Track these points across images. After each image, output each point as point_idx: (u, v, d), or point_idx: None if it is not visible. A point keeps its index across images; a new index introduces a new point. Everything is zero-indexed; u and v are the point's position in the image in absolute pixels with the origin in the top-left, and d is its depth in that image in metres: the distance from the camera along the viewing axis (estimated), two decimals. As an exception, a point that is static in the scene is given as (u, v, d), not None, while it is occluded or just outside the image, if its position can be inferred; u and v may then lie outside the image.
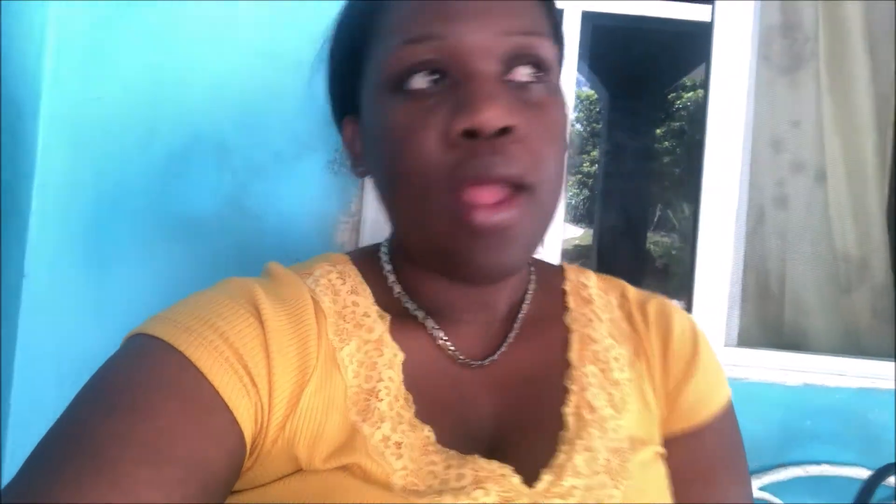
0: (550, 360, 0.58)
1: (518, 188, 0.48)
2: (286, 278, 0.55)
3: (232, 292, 0.50)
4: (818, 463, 1.07)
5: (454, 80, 0.48)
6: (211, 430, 0.43)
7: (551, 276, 0.65)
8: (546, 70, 0.51)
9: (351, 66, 0.57)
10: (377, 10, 0.53)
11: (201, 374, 0.44)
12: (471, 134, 0.46)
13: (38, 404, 0.96)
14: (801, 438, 1.09)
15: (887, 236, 1.44)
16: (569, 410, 0.54)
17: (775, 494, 1.06)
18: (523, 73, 0.50)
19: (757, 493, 1.06)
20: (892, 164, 1.47)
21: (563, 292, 0.63)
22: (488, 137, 0.46)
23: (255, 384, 0.46)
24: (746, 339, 1.30)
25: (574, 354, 0.58)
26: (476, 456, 0.49)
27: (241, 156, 1.00)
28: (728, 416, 0.62)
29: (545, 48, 0.51)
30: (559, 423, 0.54)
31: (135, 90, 0.98)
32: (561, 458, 0.51)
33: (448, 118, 0.47)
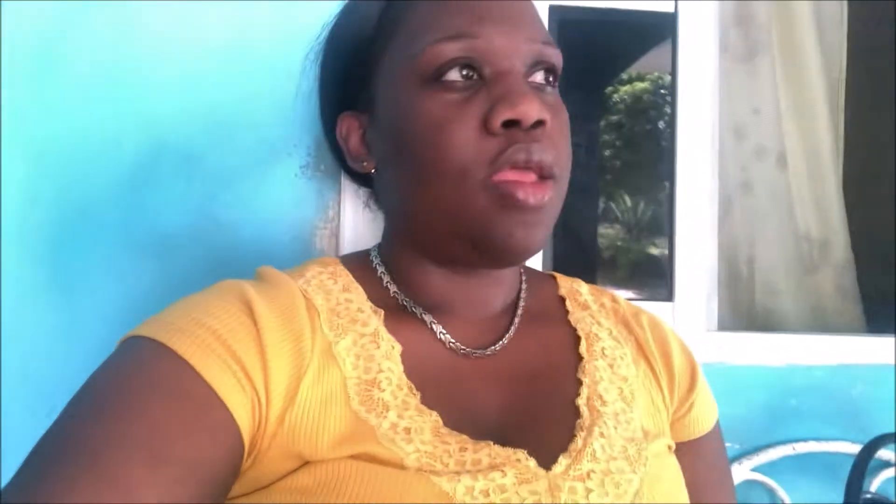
0: (558, 355, 0.61)
1: (547, 177, 0.53)
2: (277, 279, 0.56)
3: (223, 293, 0.52)
4: (805, 440, 1.10)
5: (486, 77, 0.53)
6: (207, 428, 0.44)
7: (543, 282, 0.69)
8: (556, 77, 0.58)
9: (359, 60, 0.60)
10: (398, 8, 0.57)
11: (195, 371, 0.45)
12: (509, 124, 0.52)
13: (26, 432, 0.88)
14: (786, 417, 1.11)
15: (845, 216, 1.49)
16: (582, 401, 0.56)
17: (766, 475, 1.08)
18: (539, 78, 0.57)
19: (748, 475, 1.07)
20: (845, 147, 1.52)
21: (561, 298, 0.67)
22: (525, 129, 0.52)
23: (250, 379, 0.47)
24: (721, 323, 1.32)
25: (584, 350, 0.61)
26: (490, 442, 0.50)
27: (211, 164, 0.95)
28: (718, 429, 0.69)
29: (557, 57, 0.57)
30: (573, 414, 0.55)
31: (94, 97, 0.92)
32: (578, 443, 0.52)
33: (486, 109, 0.52)
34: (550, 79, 0.58)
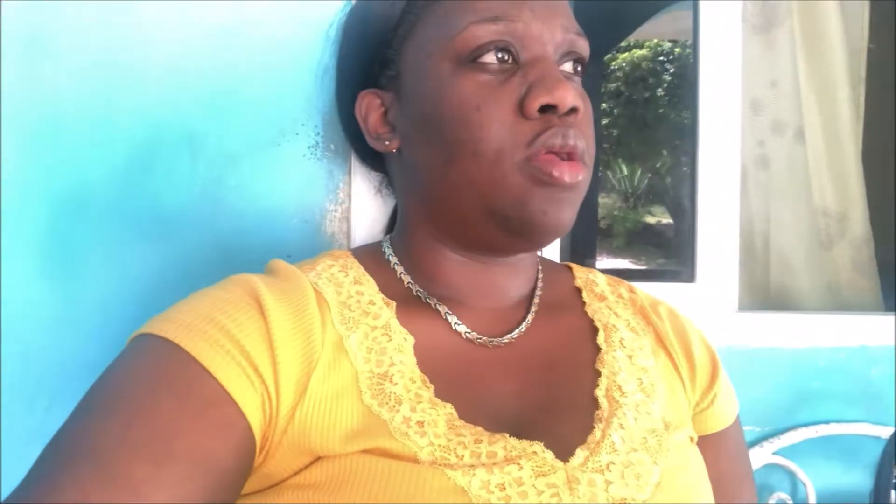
0: (576, 346, 0.60)
1: (580, 160, 0.54)
2: (287, 272, 0.56)
3: (232, 287, 0.52)
4: (827, 423, 1.08)
5: (522, 61, 0.54)
6: (215, 425, 0.44)
7: (559, 273, 0.69)
8: (584, 67, 0.59)
9: (384, 39, 0.59)
10: None
11: (203, 368, 0.45)
12: (545, 109, 0.53)
13: (26, 425, 0.85)
14: (808, 400, 1.10)
15: (864, 190, 1.46)
16: (601, 392, 0.56)
17: (788, 458, 1.06)
18: (568, 67, 0.58)
19: (771, 459, 1.05)
20: (865, 119, 1.48)
21: (577, 289, 0.67)
22: (560, 115, 0.53)
23: (259, 374, 0.46)
24: (740, 303, 1.30)
25: (602, 341, 0.60)
26: (505, 434, 0.49)
27: (213, 145, 0.91)
28: (739, 422, 0.69)
29: (586, 49, 0.58)
30: (591, 405, 0.55)
31: (86, 80, 0.86)
32: (597, 434, 0.52)
33: (521, 93, 0.53)
34: (578, 68, 0.59)
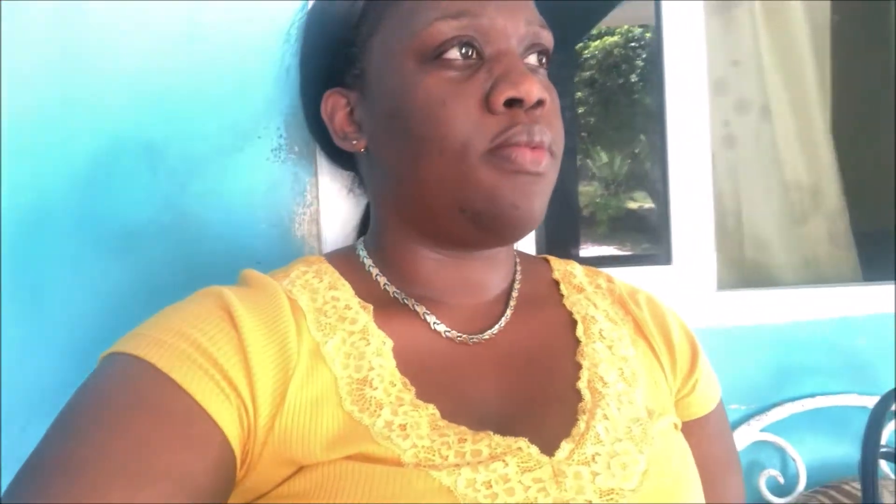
0: (556, 339, 0.60)
1: (546, 150, 0.54)
2: (259, 282, 0.56)
3: (202, 301, 0.51)
4: (812, 396, 1.08)
5: (486, 56, 0.54)
6: (192, 441, 0.43)
7: (537, 265, 0.69)
8: (548, 59, 0.59)
9: (347, 37, 0.59)
10: None
11: (177, 384, 0.44)
12: (511, 103, 0.52)
13: (14, 445, 0.83)
14: (793, 375, 1.10)
15: (836, 162, 1.46)
16: (583, 384, 0.55)
17: (776, 434, 1.06)
18: (533, 60, 0.58)
19: (759, 436, 1.05)
20: (833, 91, 1.49)
21: (555, 281, 0.67)
22: (526, 108, 0.53)
23: (234, 387, 0.46)
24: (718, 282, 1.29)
25: (581, 333, 0.60)
26: (489, 432, 0.49)
27: (174, 153, 0.89)
28: (722, 406, 0.69)
29: (550, 40, 0.58)
30: (574, 397, 0.55)
31: (41, 91, 0.84)
32: (581, 426, 0.52)
33: (487, 88, 0.53)
34: (543, 60, 0.59)
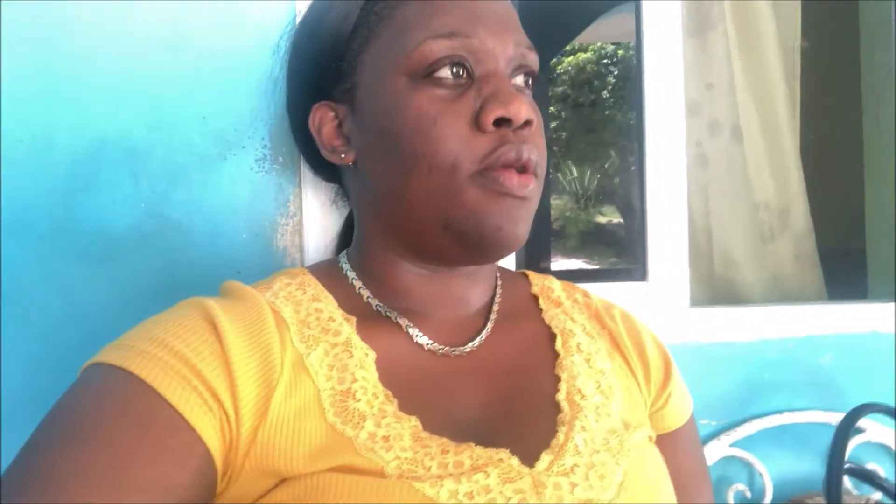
0: (535, 353, 0.61)
1: (532, 173, 0.55)
2: (242, 293, 0.55)
3: (185, 311, 0.51)
4: (780, 412, 1.11)
5: (476, 76, 0.55)
6: (174, 452, 0.43)
7: (516, 280, 0.70)
8: (534, 80, 0.61)
9: (338, 52, 0.60)
10: (386, 4, 0.57)
11: (159, 395, 0.44)
12: (499, 123, 0.54)
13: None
14: (761, 391, 1.12)
15: (804, 183, 1.50)
16: (561, 397, 0.57)
17: (745, 449, 1.09)
18: (520, 80, 0.59)
19: (728, 451, 1.08)
20: (802, 114, 1.53)
21: (534, 296, 0.68)
22: (515, 128, 0.54)
23: (217, 398, 0.46)
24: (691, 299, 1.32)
25: (560, 346, 0.61)
26: (471, 444, 0.49)
27: (157, 160, 0.88)
28: (693, 420, 0.70)
29: (536, 63, 0.60)
30: (553, 409, 0.56)
31: (21, 96, 0.83)
32: (560, 438, 0.53)
33: (476, 107, 0.54)
34: (529, 81, 0.60)
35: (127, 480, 0.41)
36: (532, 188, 0.55)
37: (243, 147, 0.91)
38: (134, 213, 0.87)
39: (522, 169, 0.55)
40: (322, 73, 0.62)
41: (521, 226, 0.55)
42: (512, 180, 0.53)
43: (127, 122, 0.87)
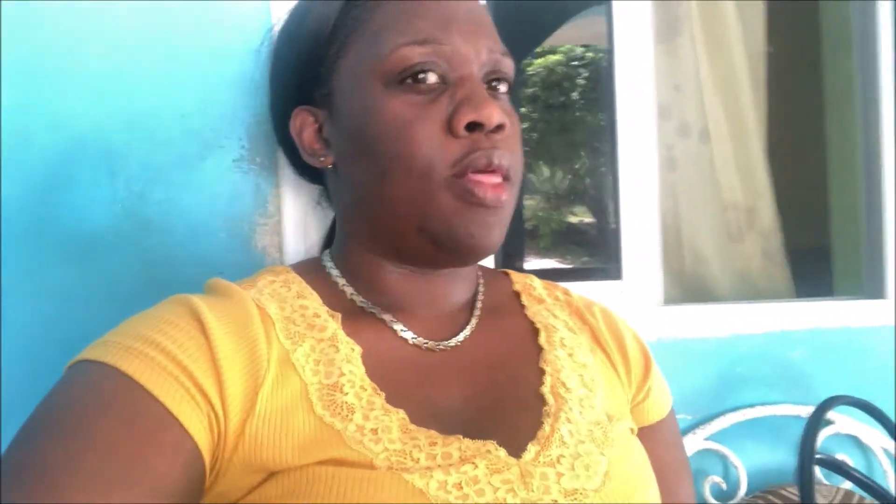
0: (519, 347, 0.62)
1: (505, 178, 0.56)
2: (227, 290, 0.56)
3: (171, 308, 0.51)
4: (752, 406, 1.14)
5: (450, 81, 0.56)
6: (162, 447, 0.43)
7: (498, 279, 0.71)
8: (510, 86, 0.61)
9: (317, 57, 0.60)
10: (360, 8, 0.58)
11: (146, 391, 0.44)
12: (472, 127, 0.54)
13: None
14: (735, 386, 1.15)
15: (770, 183, 1.54)
16: (546, 389, 0.57)
17: (720, 442, 1.11)
18: (494, 85, 0.59)
19: (703, 444, 1.10)
20: (768, 116, 1.57)
21: (516, 293, 0.69)
22: (487, 132, 0.54)
23: (204, 394, 0.46)
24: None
25: (544, 341, 0.62)
26: (459, 436, 0.50)
27: (135, 160, 0.87)
28: (673, 414, 0.72)
29: (511, 68, 0.60)
30: (538, 402, 0.57)
31: (2, 94, 0.82)
32: (546, 429, 0.54)
33: (450, 111, 0.54)
34: (504, 87, 0.61)
35: (115, 476, 0.41)
36: (505, 198, 0.56)
37: (221, 147, 0.91)
38: (112, 212, 0.87)
39: (495, 174, 0.55)
40: (302, 77, 0.63)
41: (495, 232, 0.56)
42: (485, 192, 0.54)
43: (105, 121, 0.86)
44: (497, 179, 0.55)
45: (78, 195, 0.85)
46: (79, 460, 0.41)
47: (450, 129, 0.54)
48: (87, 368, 0.47)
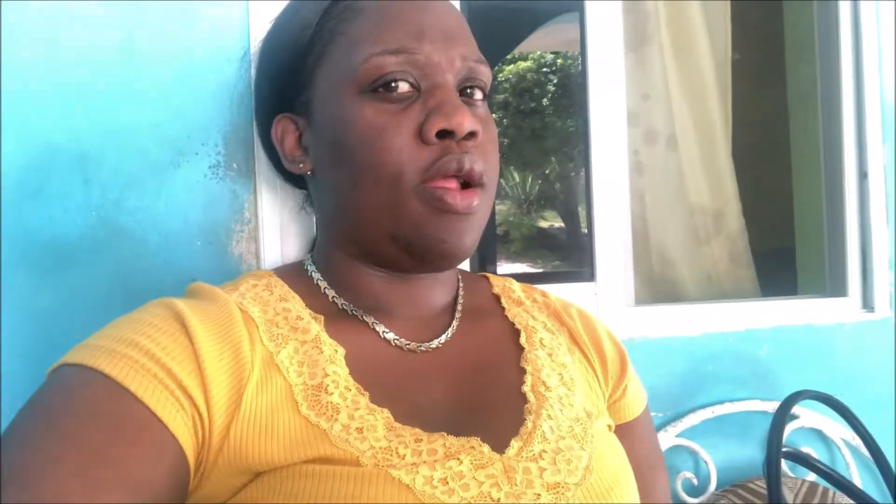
0: (500, 348, 0.64)
1: (477, 185, 0.57)
2: (210, 293, 0.56)
3: (154, 311, 0.52)
4: (721, 402, 1.16)
5: (422, 89, 0.57)
6: (146, 450, 0.43)
7: (477, 282, 0.72)
8: (485, 93, 0.62)
9: (297, 66, 0.61)
10: (337, 18, 0.59)
11: (130, 394, 0.44)
12: (443, 135, 0.55)
13: None
14: (705, 383, 1.18)
15: (737, 187, 1.58)
16: (527, 388, 0.59)
17: (690, 439, 1.14)
18: (469, 93, 0.60)
19: (673, 441, 1.12)
20: (734, 122, 1.62)
21: (496, 296, 0.70)
22: (458, 139, 0.55)
23: (189, 396, 0.46)
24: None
25: (524, 341, 0.64)
26: (443, 433, 0.51)
27: (109, 167, 0.87)
28: (648, 412, 0.74)
29: (487, 75, 0.61)
30: (520, 400, 0.58)
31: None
32: (528, 426, 0.55)
33: (422, 119, 0.55)
34: (480, 94, 0.61)
35: (99, 479, 0.41)
36: (477, 203, 0.56)
37: (196, 154, 0.91)
38: (86, 220, 0.86)
39: (466, 183, 0.56)
40: (282, 85, 0.63)
41: (467, 237, 0.57)
42: (455, 198, 0.54)
43: (78, 128, 0.85)
44: (459, 185, 0.56)
45: (51, 204, 0.84)
46: (61, 465, 0.41)
47: (421, 136, 0.55)
48: (69, 372, 0.47)
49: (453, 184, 0.55)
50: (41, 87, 0.84)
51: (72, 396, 0.45)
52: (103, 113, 0.86)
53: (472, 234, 0.57)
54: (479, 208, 0.57)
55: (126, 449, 0.43)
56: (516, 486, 0.50)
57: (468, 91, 0.60)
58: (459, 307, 0.65)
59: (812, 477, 1.15)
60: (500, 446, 0.52)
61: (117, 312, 0.55)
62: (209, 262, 0.92)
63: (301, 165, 0.63)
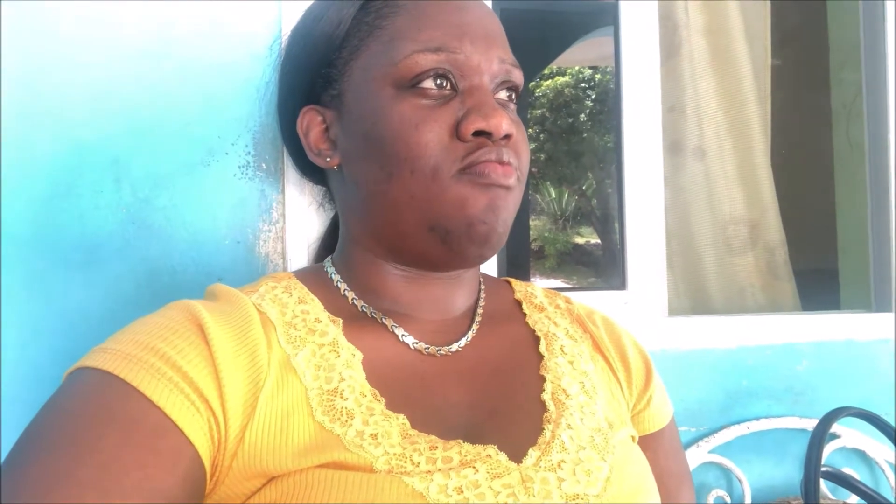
0: (520, 354, 0.62)
1: (514, 170, 0.57)
2: (228, 295, 0.56)
3: (171, 314, 0.51)
4: (757, 419, 1.12)
5: (460, 89, 0.57)
6: (162, 455, 0.43)
7: (500, 287, 0.71)
8: (518, 95, 0.63)
9: (328, 59, 0.61)
10: (375, 13, 0.59)
11: (145, 398, 0.44)
12: (479, 134, 0.56)
13: None
14: (740, 398, 1.14)
15: (776, 199, 1.54)
16: (547, 396, 0.58)
17: (724, 455, 1.10)
18: (503, 95, 0.61)
19: (707, 457, 1.09)
20: (773, 131, 1.57)
21: (517, 301, 0.69)
22: (494, 140, 0.56)
23: (205, 400, 0.46)
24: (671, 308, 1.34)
25: (544, 349, 0.63)
26: (459, 440, 0.50)
27: (140, 167, 0.88)
28: (674, 423, 0.72)
29: (521, 79, 0.61)
30: (539, 408, 0.57)
31: (4, 102, 0.83)
32: (546, 435, 0.54)
33: (458, 117, 0.56)
34: (513, 96, 0.62)
35: (115, 485, 0.41)
36: (514, 179, 0.57)
37: (227, 154, 0.91)
38: (116, 219, 0.87)
39: (504, 164, 0.56)
40: (312, 78, 0.63)
41: (503, 215, 0.56)
42: (496, 170, 0.55)
43: (110, 128, 0.87)
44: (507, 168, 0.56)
45: (82, 202, 0.85)
46: (77, 470, 0.41)
47: (457, 133, 0.55)
48: (85, 376, 0.47)
49: (493, 163, 0.56)
50: (73, 88, 0.86)
51: (86, 401, 0.45)
52: (134, 112, 0.88)
53: (507, 213, 0.57)
54: (515, 186, 0.57)
55: (141, 454, 0.43)
56: (534, 496, 0.48)
57: (502, 93, 0.60)
58: (480, 311, 0.64)
59: (853, 500, 1.09)
60: (517, 455, 0.51)
61: (145, 309, 0.56)
62: (236, 261, 0.92)
63: (328, 159, 0.62)
